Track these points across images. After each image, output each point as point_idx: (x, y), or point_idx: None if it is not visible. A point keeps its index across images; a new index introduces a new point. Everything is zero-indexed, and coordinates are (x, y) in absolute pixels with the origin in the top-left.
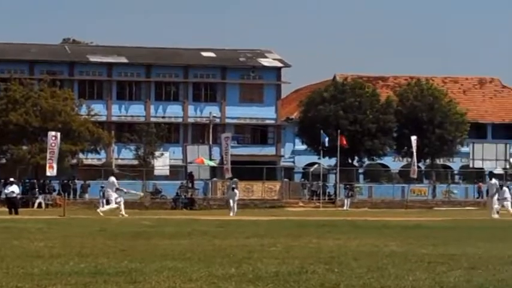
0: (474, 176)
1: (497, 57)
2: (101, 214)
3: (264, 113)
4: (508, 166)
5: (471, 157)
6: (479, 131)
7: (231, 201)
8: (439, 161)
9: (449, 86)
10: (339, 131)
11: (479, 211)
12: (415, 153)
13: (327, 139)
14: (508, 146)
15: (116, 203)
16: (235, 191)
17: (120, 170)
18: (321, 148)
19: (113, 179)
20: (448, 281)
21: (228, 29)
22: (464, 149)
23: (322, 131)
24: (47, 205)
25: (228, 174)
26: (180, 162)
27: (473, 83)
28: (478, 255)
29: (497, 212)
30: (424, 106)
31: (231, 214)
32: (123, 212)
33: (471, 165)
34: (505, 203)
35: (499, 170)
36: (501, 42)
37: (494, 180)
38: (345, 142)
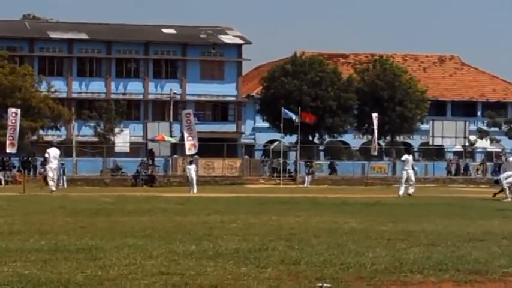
0: (434, 153)
1: (457, 34)
2: (53, 189)
3: (225, 90)
4: (467, 143)
5: (431, 134)
6: (439, 109)
7: (190, 178)
8: (399, 138)
9: (409, 64)
10: (300, 107)
11: (441, 188)
12: (376, 130)
13: (294, 116)
14: (467, 123)
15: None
16: (192, 165)
17: (81, 147)
18: (284, 125)
19: (54, 150)
20: (408, 257)
21: (188, 5)
22: (424, 127)
23: (283, 108)
24: (6, 182)
25: (194, 150)
26: (140, 139)
27: (434, 61)
28: (437, 232)
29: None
30: (384, 84)
31: (194, 191)
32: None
33: (431, 143)
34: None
35: (458, 148)
36: (461, 20)
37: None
38: (310, 119)
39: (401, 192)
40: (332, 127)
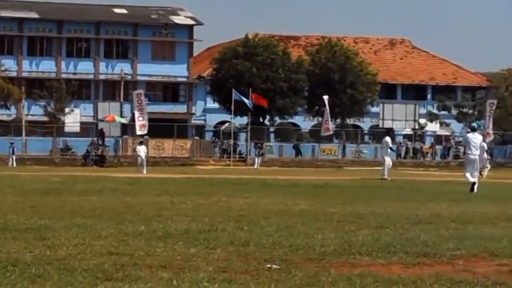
0: (384, 136)
1: (408, 18)
2: None
3: (176, 71)
4: (417, 126)
5: (381, 117)
6: (389, 92)
7: (139, 158)
8: (350, 121)
9: (360, 46)
10: (250, 89)
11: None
12: (328, 111)
13: (247, 101)
14: (417, 106)
15: None
16: (142, 146)
17: (31, 127)
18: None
19: None
20: (357, 239)
21: None
22: (375, 109)
23: (234, 90)
24: None
25: (145, 130)
26: (91, 119)
27: (384, 44)
28: (386, 214)
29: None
30: (335, 66)
31: (144, 172)
32: None
33: (381, 126)
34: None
35: (408, 131)
36: (412, 3)
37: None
38: (263, 102)
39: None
40: (283, 109)
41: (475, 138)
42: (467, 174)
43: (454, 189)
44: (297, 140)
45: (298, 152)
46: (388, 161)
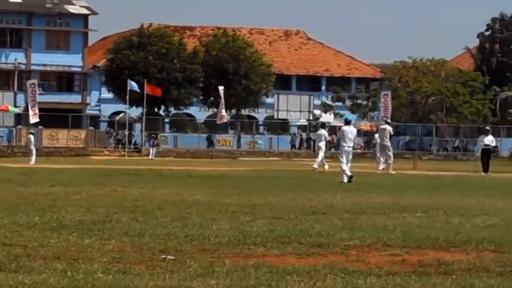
0: (278, 126)
1: (303, 9)
2: None
3: (71, 61)
4: (311, 117)
5: (276, 108)
6: (284, 83)
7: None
8: (245, 112)
9: (255, 37)
10: (145, 79)
11: (285, 161)
12: (223, 102)
13: (136, 86)
14: (311, 97)
15: None
16: (31, 135)
17: None
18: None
19: None
20: (252, 230)
21: None
22: (269, 100)
23: (129, 80)
24: None
25: (36, 119)
26: None
27: (279, 35)
28: (280, 205)
29: None
30: (229, 57)
31: (32, 162)
32: None
33: (276, 116)
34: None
35: (302, 121)
36: None
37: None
38: (157, 92)
39: (381, 167)
40: (178, 99)
41: (350, 131)
42: (343, 166)
43: (347, 180)
44: (193, 131)
45: (210, 143)
46: (322, 154)
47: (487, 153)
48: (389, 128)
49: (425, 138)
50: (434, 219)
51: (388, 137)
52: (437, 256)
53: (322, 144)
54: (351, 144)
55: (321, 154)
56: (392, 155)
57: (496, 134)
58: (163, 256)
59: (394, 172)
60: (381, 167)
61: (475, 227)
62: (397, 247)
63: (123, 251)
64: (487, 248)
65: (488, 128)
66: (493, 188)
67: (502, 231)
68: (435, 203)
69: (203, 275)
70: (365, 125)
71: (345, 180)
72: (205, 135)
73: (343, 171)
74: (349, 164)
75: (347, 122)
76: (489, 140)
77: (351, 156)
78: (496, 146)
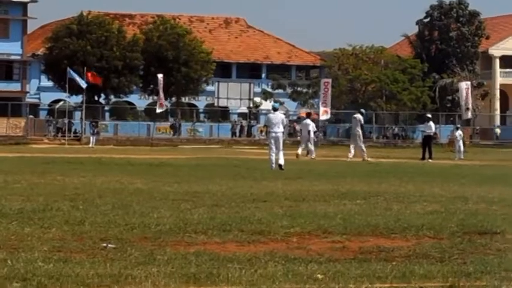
0: (219, 114)
1: None
2: None
3: (10, 49)
4: (251, 105)
5: (216, 96)
6: (224, 70)
7: None
8: (185, 100)
9: (195, 25)
10: (85, 67)
11: (226, 149)
12: (161, 90)
13: (79, 79)
14: (252, 85)
15: None
16: None
17: None
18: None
19: None
20: (192, 218)
21: None
22: (210, 88)
23: (69, 69)
24: None
25: None
26: None
27: (219, 23)
28: (221, 192)
29: None
30: (169, 44)
31: None
32: None
33: (216, 104)
34: None
35: (243, 109)
36: None
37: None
38: (97, 80)
39: (350, 155)
40: (118, 87)
41: (276, 117)
42: (271, 153)
43: (288, 168)
44: (133, 119)
45: (176, 131)
46: (310, 143)
47: (428, 140)
48: (359, 117)
49: (365, 126)
50: (374, 206)
51: (359, 126)
52: (377, 243)
53: (309, 134)
54: (278, 130)
55: (309, 143)
56: (362, 144)
57: (435, 121)
58: (104, 244)
59: (370, 159)
60: (351, 155)
61: (414, 214)
62: (338, 234)
63: (64, 239)
64: (427, 234)
65: (429, 115)
66: (432, 175)
67: (441, 218)
68: (375, 190)
69: (144, 263)
70: (305, 113)
71: (274, 167)
72: (145, 123)
73: (271, 158)
74: (280, 153)
75: (274, 109)
76: (430, 127)
77: (281, 143)
78: (435, 133)
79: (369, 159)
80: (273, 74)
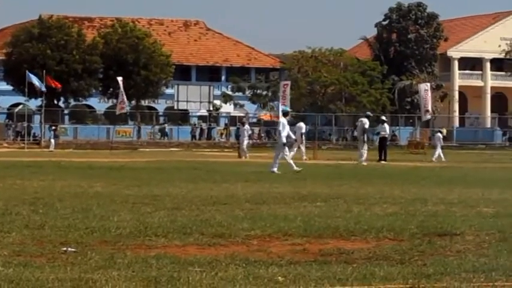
0: (178, 117)
1: (202, 0)
2: None
3: None
4: (211, 108)
5: (176, 99)
6: (184, 73)
7: None
8: (144, 103)
9: (154, 28)
10: (44, 71)
11: (186, 152)
12: (122, 92)
13: (39, 84)
14: (211, 88)
15: None
16: None
17: None
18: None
19: None
20: (153, 221)
21: None
22: (169, 91)
23: (28, 72)
24: None
25: None
26: None
27: (179, 25)
28: (181, 195)
29: None
30: (128, 47)
31: None
32: None
33: (176, 107)
34: None
35: (203, 112)
36: None
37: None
38: (56, 85)
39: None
40: (77, 91)
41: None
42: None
43: (248, 170)
44: (92, 122)
45: (164, 134)
46: (302, 146)
47: (383, 143)
48: (364, 121)
49: (324, 128)
50: (334, 208)
51: (362, 130)
52: (337, 245)
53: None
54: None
55: (301, 146)
56: (363, 148)
57: (394, 123)
58: (64, 248)
59: (365, 163)
60: (363, 159)
61: (374, 216)
62: (298, 236)
63: (24, 243)
64: (387, 236)
65: (384, 118)
66: (391, 177)
67: (401, 220)
68: (335, 192)
69: (104, 267)
70: (265, 115)
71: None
72: (105, 127)
73: (290, 162)
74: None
75: (285, 114)
76: (385, 129)
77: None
78: (394, 135)
79: (364, 163)
80: (232, 77)
